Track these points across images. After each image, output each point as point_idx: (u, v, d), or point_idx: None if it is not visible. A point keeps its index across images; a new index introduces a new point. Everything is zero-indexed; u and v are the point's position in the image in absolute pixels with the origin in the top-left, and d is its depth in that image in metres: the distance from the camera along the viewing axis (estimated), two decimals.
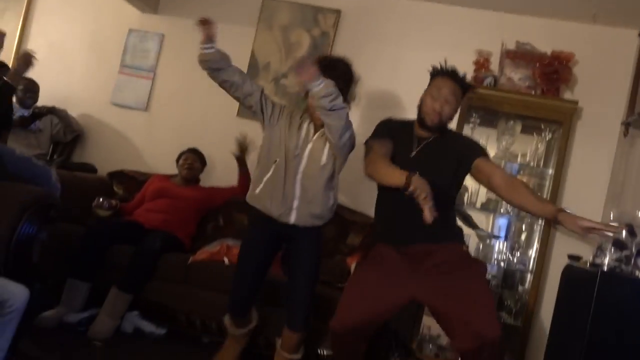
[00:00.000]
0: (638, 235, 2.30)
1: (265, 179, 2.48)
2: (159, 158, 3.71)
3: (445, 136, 2.30)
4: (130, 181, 3.69)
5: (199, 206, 3.46)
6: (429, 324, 3.08)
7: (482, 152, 2.26)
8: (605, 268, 2.21)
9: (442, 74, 2.25)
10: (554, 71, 3.27)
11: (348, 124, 2.32)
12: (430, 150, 2.25)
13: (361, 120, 3.69)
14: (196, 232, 3.45)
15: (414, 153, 2.25)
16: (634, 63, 3.01)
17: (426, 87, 2.29)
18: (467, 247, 2.32)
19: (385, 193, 2.28)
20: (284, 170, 2.46)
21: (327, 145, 2.42)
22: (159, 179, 3.54)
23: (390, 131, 2.31)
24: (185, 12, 3.99)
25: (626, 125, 3.02)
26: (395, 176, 2.02)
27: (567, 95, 3.37)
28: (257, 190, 2.49)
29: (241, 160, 3.52)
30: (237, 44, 3.86)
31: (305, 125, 2.49)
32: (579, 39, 3.39)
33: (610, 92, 3.26)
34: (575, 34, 3.41)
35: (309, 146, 2.45)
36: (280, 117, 2.51)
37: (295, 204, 2.44)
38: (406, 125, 2.34)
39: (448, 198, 2.26)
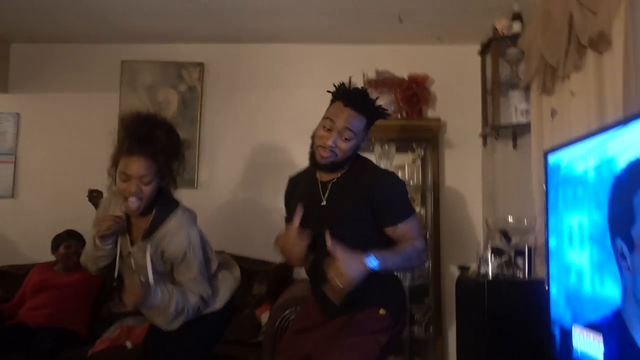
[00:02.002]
0: (512, 238, 2.53)
1: None
2: (36, 246, 3.43)
3: (353, 173, 1.82)
4: (8, 278, 3.37)
5: (87, 288, 3.22)
6: None
7: (394, 218, 1.76)
8: (490, 277, 2.40)
9: (339, 98, 1.80)
10: (413, 94, 3.49)
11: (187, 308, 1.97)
12: (337, 194, 1.82)
13: (243, 166, 3.68)
14: (92, 316, 3.21)
15: (323, 202, 1.83)
16: (480, 78, 3.28)
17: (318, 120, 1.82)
18: (385, 311, 1.80)
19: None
20: None
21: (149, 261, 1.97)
22: (39, 270, 3.26)
23: (292, 197, 1.95)
24: (40, 87, 3.78)
25: (483, 137, 3.28)
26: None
27: (430, 113, 3.61)
28: None
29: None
30: (102, 111, 3.71)
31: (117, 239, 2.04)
32: (430, 60, 3.64)
33: (466, 104, 3.53)
34: (426, 56, 3.66)
35: (132, 262, 2.03)
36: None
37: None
38: (310, 171, 1.92)
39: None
